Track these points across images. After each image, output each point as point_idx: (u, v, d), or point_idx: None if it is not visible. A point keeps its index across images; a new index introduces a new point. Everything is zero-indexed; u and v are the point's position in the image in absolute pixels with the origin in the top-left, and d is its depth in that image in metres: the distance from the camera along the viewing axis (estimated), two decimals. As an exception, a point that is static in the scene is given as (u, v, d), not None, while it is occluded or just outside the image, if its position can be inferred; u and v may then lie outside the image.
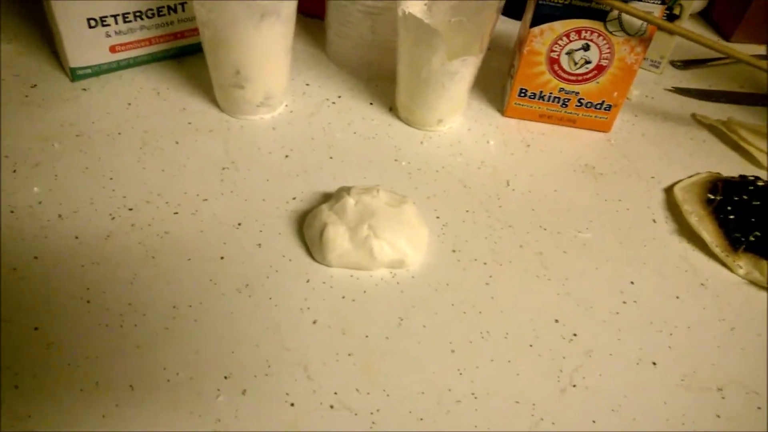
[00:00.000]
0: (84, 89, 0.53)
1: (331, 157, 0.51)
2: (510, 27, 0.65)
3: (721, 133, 0.59)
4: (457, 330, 0.40)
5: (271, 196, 0.47)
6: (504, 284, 0.43)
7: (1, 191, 0.44)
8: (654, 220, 0.50)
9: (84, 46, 0.51)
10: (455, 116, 0.55)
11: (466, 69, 0.50)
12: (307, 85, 0.57)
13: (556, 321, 0.42)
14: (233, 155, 0.50)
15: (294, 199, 0.47)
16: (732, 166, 0.55)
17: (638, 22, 0.49)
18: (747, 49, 0.71)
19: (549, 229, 0.48)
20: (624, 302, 0.44)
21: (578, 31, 0.50)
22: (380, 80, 0.58)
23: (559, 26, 0.50)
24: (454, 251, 0.45)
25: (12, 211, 0.43)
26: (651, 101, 0.62)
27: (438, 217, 0.47)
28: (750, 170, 0.55)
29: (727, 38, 0.73)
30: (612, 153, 0.55)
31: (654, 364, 0.40)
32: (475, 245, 0.45)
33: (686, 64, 0.68)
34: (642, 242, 0.48)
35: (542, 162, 0.53)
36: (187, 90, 0.55)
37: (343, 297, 0.41)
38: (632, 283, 0.45)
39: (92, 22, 0.50)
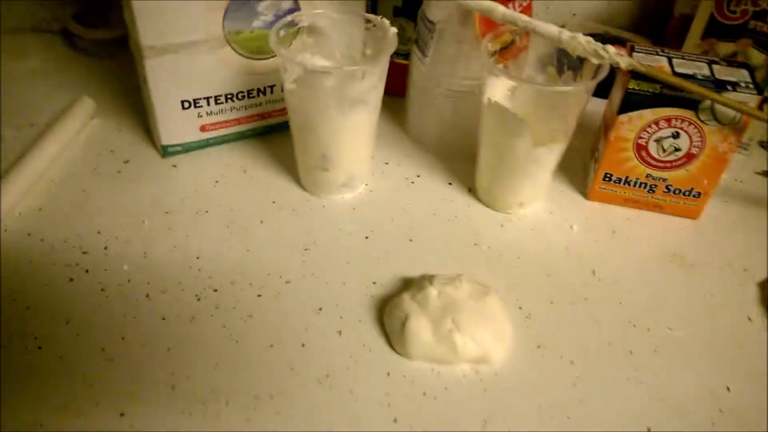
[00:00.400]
0: (174, 165, 0.55)
1: (410, 240, 0.51)
2: (593, 104, 0.64)
3: (819, 221, 0.56)
4: (543, 435, 0.39)
5: (351, 279, 0.47)
6: (593, 386, 0.41)
7: (93, 267, 0.46)
8: (749, 318, 0.47)
9: (176, 126, 0.54)
10: (537, 199, 0.54)
11: (551, 156, 0.49)
12: (387, 163, 0.58)
13: (649, 430, 0.39)
14: (315, 235, 0.50)
15: (374, 283, 0.47)
16: (833, 259, 0.52)
17: (732, 112, 0.48)
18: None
19: (638, 325, 0.46)
20: (720, 411, 0.41)
21: (668, 120, 0.49)
22: (459, 159, 0.58)
23: (649, 114, 0.49)
24: (538, 347, 0.43)
25: (102, 290, 0.45)
26: (740, 185, 0.59)
27: (521, 308, 0.46)
28: None
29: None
30: (701, 241, 0.53)
31: (755, 481, 0.37)
32: (560, 341, 0.44)
33: (777, 145, 0.65)
34: (737, 343, 0.45)
35: (629, 250, 0.51)
36: (271, 167, 0.56)
37: (425, 393, 0.40)
38: (728, 389, 0.42)
39: (186, 104, 0.52)
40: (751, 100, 0.47)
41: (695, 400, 0.41)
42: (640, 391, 0.41)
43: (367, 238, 0.50)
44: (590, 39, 0.46)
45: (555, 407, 0.40)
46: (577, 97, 0.47)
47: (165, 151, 0.55)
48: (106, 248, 0.48)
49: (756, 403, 0.41)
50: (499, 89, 0.50)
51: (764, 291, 0.49)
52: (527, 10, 0.54)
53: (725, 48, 0.59)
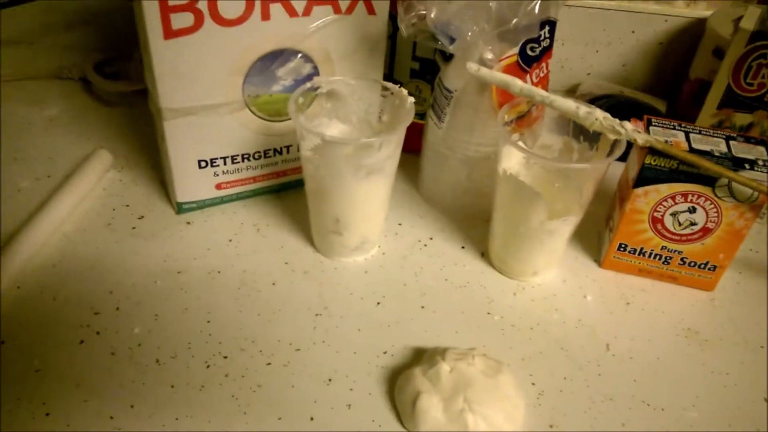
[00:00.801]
0: (188, 222, 0.55)
1: (422, 307, 0.50)
2: (610, 169, 0.64)
3: (836, 295, 0.55)
4: None
5: (362, 348, 0.46)
6: (605, 470, 0.41)
7: (104, 329, 0.46)
8: (766, 399, 0.46)
9: (192, 184, 0.54)
10: (551, 268, 0.54)
11: (566, 227, 0.49)
12: (400, 224, 0.58)
13: None
14: (327, 300, 0.50)
15: (385, 353, 0.46)
16: None
17: (749, 190, 0.47)
18: None
19: (652, 404, 0.45)
20: (738, 499, 0.40)
21: (684, 195, 0.49)
22: (472, 222, 0.58)
23: (665, 188, 0.49)
24: (551, 426, 0.43)
25: (113, 353, 0.44)
26: (757, 256, 0.59)
27: (534, 384, 0.45)
28: None
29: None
30: (716, 316, 0.52)
31: None
32: (574, 420, 0.43)
33: (792, 213, 0.64)
34: (754, 426, 0.44)
35: (643, 323, 0.51)
36: (285, 226, 0.56)
37: (435, 474, 0.39)
38: (746, 475, 0.41)
39: (203, 163, 0.53)
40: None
41: (711, 489, 0.40)
42: (655, 478, 0.41)
43: (378, 304, 0.50)
44: (607, 115, 0.46)
45: (567, 494, 0.39)
46: (593, 171, 0.47)
47: (180, 208, 0.55)
48: (117, 309, 0.48)
49: (774, 494, 0.40)
50: (514, 158, 0.50)
51: (781, 370, 0.48)
52: (544, 80, 0.54)
53: (741, 119, 0.59)
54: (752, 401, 0.46)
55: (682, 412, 0.45)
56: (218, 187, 0.55)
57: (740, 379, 0.47)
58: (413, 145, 0.62)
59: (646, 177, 0.49)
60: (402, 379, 0.43)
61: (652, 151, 0.48)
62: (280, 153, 0.55)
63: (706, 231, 0.50)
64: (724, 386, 0.47)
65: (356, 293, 0.51)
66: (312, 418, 0.42)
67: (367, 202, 0.49)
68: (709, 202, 0.49)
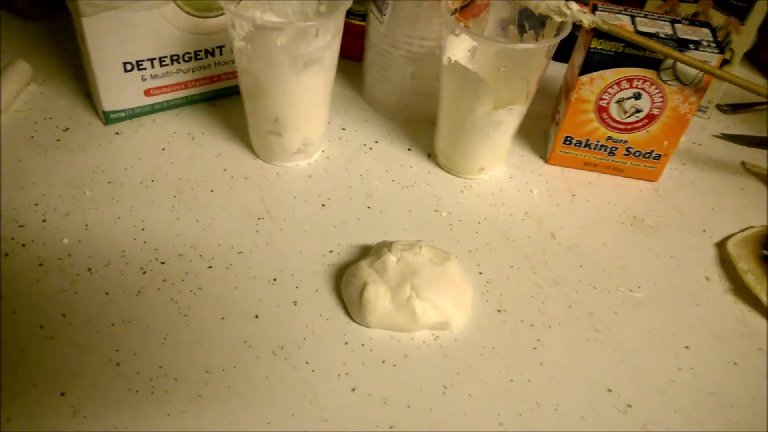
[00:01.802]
0: (117, 133, 0.52)
1: (369, 207, 0.49)
2: (554, 69, 0.63)
3: (774, 182, 0.56)
4: (505, 401, 0.38)
5: (307, 248, 0.45)
6: (553, 349, 0.41)
7: (30, 241, 0.43)
8: (707, 278, 0.47)
9: (118, 90, 0.50)
10: (497, 164, 0.53)
11: (512, 118, 0.48)
12: (344, 129, 0.56)
13: (610, 390, 0.39)
14: (269, 204, 0.48)
15: (331, 252, 0.45)
16: (788, 220, 0.53)
17: (693, 72, 0.47)
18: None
19: (598, 287, 0.45)
20: (679, 369, 0.41)
21: (630, 80, 0.48)
22: (418, 125, 0.57)
23: (610, 74, 0.48)
24: (499, 311, 0.43)
25: (41, 264, 0.42)
26: (699, 148, 0.59)
27: (481, 273, 0.45)
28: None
29: (774, 79, 0.70)
30: (660, 204, 0.53)
31: (715, 440, 0.38)
32: (521, 305, 0.43)
33: (733, 108, 0.65)
34: (695, 302, 0.45)
35: (589, 213, 0.51)
36: (222, 134, 0.53)
37: (384, 361, 0.39)
38: (687, 347, 0.42)
39: (128, 66, 0.49)
40: (713, 59, 0.47)
41: (654, 358, 0.41)
42: (600, 351, 0.41)
43: (323, 206, 0.49)
44: (551, -4, 0.45)
45: (515, 370, 0.39)
46: (539, 56, 0.46)
47: (107, 118, 0.52)
48: (44, 221, 0.45)
49: (713, 361, 0.41)
50: (459, 50, 0.48)
51: (722, 252, 0.49)
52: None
53: (686, 9, 0.59)
54: (694, 280, 0.47)
55: (628, 293, 0.45)
56: (147, 93, 0.52)
57: (683, 261, 0.48)
58: (355, 51, 0.60)
59: (591, 62, 0.48)
60: (348, 272, 0.42)
61: (597, 33, 0.47)
62: (212, 54, 0.52)
63: (651, 118, 0.50)
64: (668, 268, 0.47)
65: (300, 197, 0.49)
66: (257, 317, 0.40)
67: (307, 97, 0.47)
68: (654, 87, 0.48)
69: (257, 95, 0.46)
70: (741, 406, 0.39)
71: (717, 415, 0.39)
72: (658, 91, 0.48)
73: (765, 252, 0.48)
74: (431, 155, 0.54)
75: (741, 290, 0.46)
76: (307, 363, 0.38)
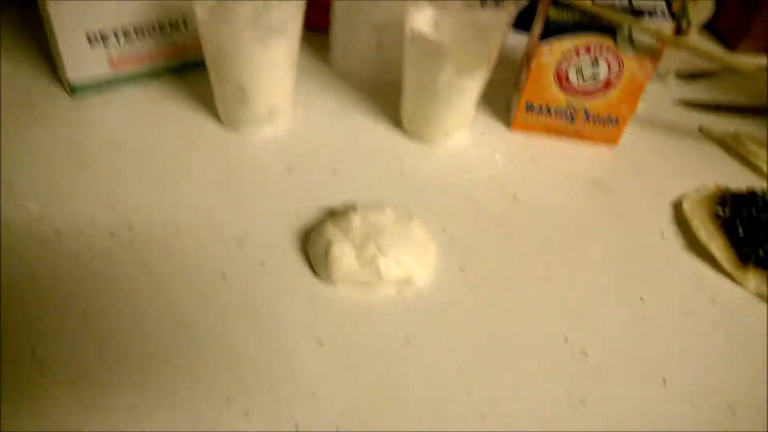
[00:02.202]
0: (83, 105, 0.52)
1: (334, 171, 0.50)
2: (516, 39, 0.64)
3: (729, 146, 0.58)
4: (464, 350, 0.39)
5: (274, 212, 0.46)
6: (512, 302, 0.42)
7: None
8: (663, 235, 0.49)
9: (83, 61, 0.51)
10: (462, 130, 0.54)
11: (474, 84, 0.49)
12: (310, 97, 0.57)
13: (566, 339, 0.41)
14: (235, 171, 0.49)
15: (297, 214, 0.46)
16: (740, 180, 0.55)
17: (649, 39, 0.48)
18: (754, 60, 0.70)
19: (559, 245, 0.47)
20: (633, 318, 0.43)
21: (588, 47, 0.49)
22: (385, 93, 0.58)
23: (569, 42, 0.49)
24: (461, 269, 0.44)
25: (9, 229, 0.42)
26: (658, 114, 0.61)
27: (445, 232, 0.46)
28: (758, 184, 0.54)
29: (732, 48, 0.72)
30: (619, 167, 0.54)
31: (664, 381, 0.39)
32: (482, 263, 0.45)
33: (692, 76, 0.67)
34: (651, 258, 0.47)
35: (550, 176, 0.52)
36: (188, 105, 0.54)
37: (349, 316, 0.40)
38: (642, 299, 0.44)
39: (92, 37, 0.49)
40: (666, 27, 0.48)
41: (610, 309, 0.43)
42: (558, 303, 0.43)
43: (290, 171, 0.49)
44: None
45: (475, 322, 0.41)
46: (499, 25, 0.47)
47: (73, 90, 0.52)
48: (11, 189, 0.45)
49: (667, 311, 0.43)
50: (421, 17, 0.49)
51: (678, 210, 0.51)
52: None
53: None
54: (650, 237, 0.49)
55: (586, 250, 0.47)
56: (113, 64, 0.52)
57: (640, 220, 0.50)
58: (321, 22, 0.60)
59: (550, 30, 0.49)
60: (314, 232, 0.43)
61: (556, 3, 0.48)
62: (178, 27, 0.53)
63: (608, 84, 0.52)
64: (625, 226, 0.49)
65: (266, 163, 0.50)
66: (224, 275, 0.41)
67: (271, 66, 0.47)
68: (611, 54, 0.50)
69: (221, 63, 0.47)
70: (690, 352, 0.41)
71: (667, 360, 0.40)
72: (615, 58, 0.50)
73: (718, 210, 0.50)
74: (397, 122, 0.55)
75: (695, 246, 0.48)
76: (272, 318, 0.39)
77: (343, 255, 0.41)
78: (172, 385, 0.35)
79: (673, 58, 0.63)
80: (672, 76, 0.65)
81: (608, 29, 0.48)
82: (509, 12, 0.46)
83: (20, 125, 0.50)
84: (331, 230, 0.42)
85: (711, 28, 0.75)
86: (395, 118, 0.56)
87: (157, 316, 0.39)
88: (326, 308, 0.40)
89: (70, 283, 0.40)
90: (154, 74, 0.55)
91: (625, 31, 0.48)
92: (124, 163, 0.48)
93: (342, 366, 0.37)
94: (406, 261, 0.41)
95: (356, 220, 0.42)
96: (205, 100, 0.54)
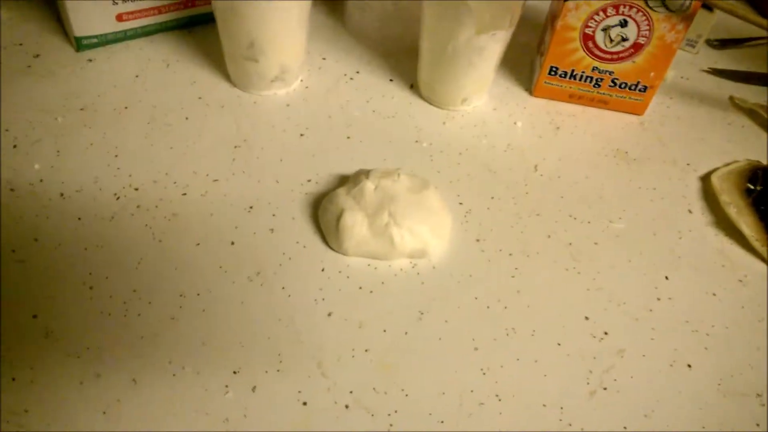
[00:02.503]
0: (89, 60, 0.50)
1: (348, 137, 0.48)
2: (540, 2, 0.61)
3: (761, 117, 0.55)
4: (480, 326, 0.38)
5: (285, 177, 0.44)
6: (531, 277, 0.41)
7: (1, 168, 0.42)
8: (690, 211, 0.47)
9: (89, 15, 0.48)
10: (481, 95, 0.52)
11: (495, 44, 0.47)
12: (324, 59, 0.54)
13: (587, 318, 0.39)
14: (245, 133, 0.47)
15: (309, 181, 0.44)
16: (773, 154, 0.52)
17: (682, -2, 0.45)
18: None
19: (579, 218, 0.45)
20: (658, 299, 0.41)
21: (616, 6, 0.47)
22: (401, 55, 0.55)
23: (597, 1, 0.46)
24: (478, 240, 0.42)
25: (12, 189, 0.41)
26: (686, 83, 0.58)
27: (461, 204, 0.44)
28: (792, 158, 0.52)
29: (766, 15, 0.68)
30: (646, 137, 0.52)
31: (689, 366, 0.38)
32: (500, 234, 0.43)
33: (723, 44, 0.64)
34: (677, 234, 0.45)
35: (572, 146, 0.50)
36: (197, 62, 0.52)
37: (360, 288, 0.39)
38: (667, 278, 0.42)
39: (98, -11, 0.47)
40: (701, -15, 0.45)
41: (633, 288, 0.41)
42: (578, 280, 0.41)
43: (302, 135, 0.48)
44: None
45: (492, 298, 0.39)
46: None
47: (79, 44, 0.50)
48: (15, 147, 0.44)
49: (692, 291, 0.42)
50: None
51: (706, 185, 0.49)
52: None
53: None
54: (676, 213, 0.47)
55: (608, 224, 0.45)
56: (119, 18, 0.50)
57: (666, 194, 0.48)
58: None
59: (577, -13, 0.46)
60: (326, 200, 0.42)
61: (583, -43, 0.45)
62: (186, -23, 0.50)
63: (637, 47, 0.49)
64: (651, 200, 0.47)
65: (278, 126, 0.48)
66: (233, 243, 0.40)
67: (283, 20, 0.45)
68: (640, 14, 0.47)
69: (231, 18, 0.45)
70: (716, 335, 0.39)
71: (692, 343, 0.39)
72: (644, 18, 0.47)
73: (749, 185, 0.47)
74: (413, 86, 0.53)
75: (723, 223, 0.46)
76: (283, 288, 0.38)
77: (355, 223, 0.39)
78: (177, 357, 0.34)
79: (705, 24, 0.60)
80: (702, 43, 0.61)
81: (639, -14, 0.46)
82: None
83: (25, 80, 0.48)
84: (343, 197, 0.41)
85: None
86: (412, 81, 0.53)
87: (162, 283, 0.37)
88: (337, 278, 0.39)
89: (74, 247, 0.38)
90: (161, 28, 0.53)
91: (658, -11, 0.46)
92: (130, 123, 0.46)
93: (352, 339, 0.36)
94: (421, 232, 0.40)
95: (369, 186, 0.41)
96: (215, 57, 0.52)
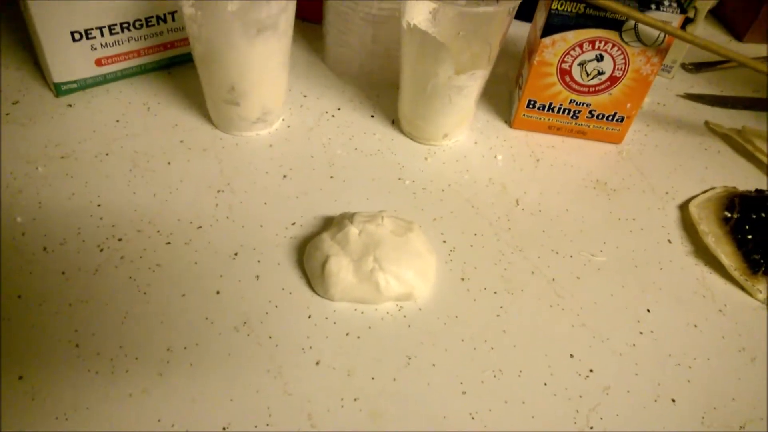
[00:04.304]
0: (69, 105, 0.50)
1: (331, 177, 0.48)
2: (517, 30, 0.62)
3: (736, 142, 0.56)
4: (467, 368, 0.38)
5: (269, 221, 0.44)
6: (516, 315, 0.41)
7: (-18, 221, 0.42)
8: (669, 241, 0.48)
9: (68, 60, 0.48)
10: (461, 129, 0.52)
11: (474, 82, 0.47)
12: (305, 96, 0.55)
13: (572, 356, 0.40)
14: (228, 176, 0.47)
15: (293, 224, 0.44)
16: (748, 179, 0.53)
17: (656, 33, 0.46)
18: (761, 50, 0.68)
19: (561, 252, 0.45)
20: (641, 333, 0.42)
21: (592, 42, 0.47)
22: (382, 90, 0.56)
23: (572, 36, 0.47)
24: (462, 279, 0.43)
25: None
26: (663, 108, 0.59)
27: (445, 242, 0.45)
28: (766, 183, 0.53)
29: (739, 38, 0.70)
30: (624, 166, 0.53)
31: (673, 401, 0.38)
32: (484, 272, 0.43)
33: (698, 67, 0.65)
34: (658, 265, 0.46)
35: (552, 178, 0.51)
36: (178, 104, 0.52)
37: (347, 334, 0.39)
38: (648, 311, 0.43)
39: (76, 35, 0.47)
40: (674, 19, 0.46)
41: (616, 323, 0.42)
42: (563, 317, 0.41)
43: (285, 177, 0.48)
44: (511, -44, 0.43)
45: (478, 339, 0.39)
46: (500, 19, 0.45)
47: (58, 90, 0.50)
48: (-5, 199, 0.43)
49: (674, 323, 0.42)
50: (418, 13, 0.47)
51: (684, 214, 0.50)
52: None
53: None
54: (656, 243, 0.47)
55: (590, 257, 0.45)
56: (98, 63, 0.50)
57: (646, 224, 0.48)
58: (314, 13, 0.58)
59: (552, 24, 0.47)
60: (311, 245, 0.42)
61: (558, -5, 0.46)
62: (164, 20, 0.50)
63: (613, 80, 0.50)
64: (631, 231, 0.48)
65: (261, 167, 0.48)
66: (218, 292, 0.40)
67: (263, 65, 0.45)
68: (616, 49, 0.48)
69: (211, 63, 0.45)
70: (698, 367, 0.40)
71: (675, 377, 0.39)
72: (620, 52, 0.48)
73: (726, 213, 0.48)
74: (395, 121, 0.53)
75: (702, 252, 0.47)
76: (270, 338, 0.38)
77: (341, 269, 0.40)
78: (166, 415, 0.34)
79: (680, 50, 0.61)
80: (677, 68, 0.63)
81: (613, 22, 0.46)
82: (510, 6, 0.44)
83: (5, 128, 0.48)
84: (328, 243, 0.41)
85: (717, 14, 0.73)
86: (393, 117, 0.54)
87: (149, 337, 0.37)
88: (323, 325, 0.39)
89: (59, 302, 0.38)
90: (141, 71, 0.53)
91: (631, 24, 0.46)
92: (112, 170, 0.46)
93: (341, 388, 0.36)
94: (406, 276, 0.40)
95: (353, 231, 0.41)
96: (195, 97, 0.52)
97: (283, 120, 0.52)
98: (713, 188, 0.52)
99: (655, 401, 0.38)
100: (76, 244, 0.41)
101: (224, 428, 0.34)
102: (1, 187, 0.44)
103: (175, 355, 0.37)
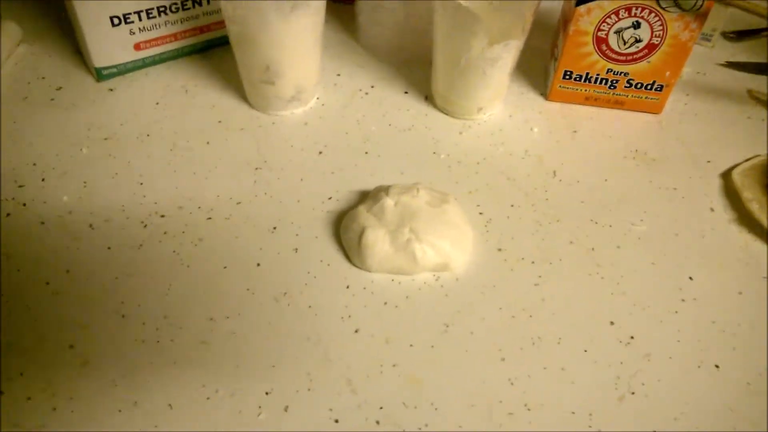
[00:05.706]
0: (110, 89, 0.52)
1: (366, 152, 0.49)
2: (552, 2, 0.61)
3: (781, 109, 0.55)
4: (506, 336, 0.38)
5: (306, 196, 0.45)
6: (554, 284, 0.41)
7: (30, 201, 0.43)
8: (712, 209, 0.47)
9: (108, 45, 0.50)
10: (496, 103, 0.52)
11: (508, 54, 0.47)
12: (339, 75, 0.55)
13: (612, 323, 0.39)
14: (265, 154, 0.48)
15: (330, 198, 0.45)
16: (795, 146, 0.52)
17: (694, -4, 0.45)
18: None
19: (600, 222, 0.45)
20: (683, 300, 0.41)
21: (628, 8, 0.47)
22: (415, 66, 0.55)
23: (608, 4, 0.46)
24: (500, 250, 0.42)
25: (42, 222, 0.42)
26: (703, 78, 0.58)
27: (481, 213, 0.45)
28: (815, 150, 0.51)
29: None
30: (664, 136, 0.52)
31: (717, 367, 0.38)
32: (521, 243, 0.43)
33: (739, 36, 0.63)
34: (700, 233, 0.45)
35: (590, 149, 0.50)
36: (215, 86, 0.53)
37: (385, 303, 0.39)
38: (691, 278, 0.42)
39: (116, 20, 0.48)
40: (714, -18, 0.45)
41: (657, 291, 0.41)
42: (602, 286, 0.41)
43: (320, 153, 0.48)
44: None
45: (516, 307, 0.39)
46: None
47: (99, 75, 0.51)
48: (43, 180, 0.45)
49: (717, 291, 0.41)
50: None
51: (727, 182, 0.48)
52: None
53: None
54: (698, 212, 0.46)
55: (630, 227, 0.45)
56: (137, 47, 0.51)
57: (687, 193, 0.47)
58: (347, -8, 0.58)
59: (587, -8, 0.46)
60: (347, 218, 0.42)
61: (592, -38, 0.45)
62: (200, 4, 0.51)
63: (651, 47, 0.49)
64: (671, 200, 0.47)
65: (296, 145, 0.49)
66: (258, 264, 0.41)
67: (297, 42, 0.46)
68: (653, 15, 0.47)
69: (246, 44, 0.46)
70: (743, 334, 0.39)
71: (719, 343, 0.39)
72: (657, 19, 0.47)
73: (770, 180, 0.47)
74: (428, 97, 0.53)
75: (746, 220, 0.46)
76: (309, 307, 0.39)
77: (377, 240, 0.40)
78: (210, 380, 0.35)
79: (720, 17, 0.59)
80: (718, 37, 0.61)
81: (650, -13, 0.46)
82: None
83: (49, 113, 0.49)
84: (364, 215, 0.41)
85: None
86: (426, 93, 0.54)
87: (192, 308, 0.38)
88: (361, 295, 0.40)
89: (105, 276, 0.40)
90: (178, 54, 0.54)
91: (669, -11, 0.45)
92: (153, 150, 0.47)
93: (379, 355, 0.37)
94: (442, 246, 0.40)
95: (389, 203, 0.41)
96: (232, 79, 0.53)
97: (317, 99, 0.52)
98: (757, 156, 0.50)
99: (699, 367, 0.38)
100: (120, 220, 0.43)
101: (267, 392, 0.35)
102: (47, 169, 0.45)
103: (218, 324, 0.38)
